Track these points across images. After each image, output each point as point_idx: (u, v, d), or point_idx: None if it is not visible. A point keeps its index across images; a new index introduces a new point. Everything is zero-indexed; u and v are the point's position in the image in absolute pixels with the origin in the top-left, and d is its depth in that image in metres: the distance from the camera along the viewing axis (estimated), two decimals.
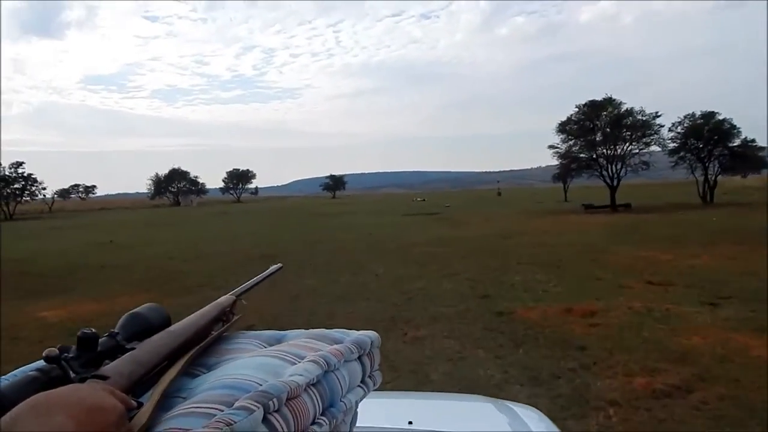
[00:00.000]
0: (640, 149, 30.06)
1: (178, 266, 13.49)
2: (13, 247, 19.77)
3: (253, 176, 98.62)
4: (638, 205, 30.02)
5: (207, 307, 0.87)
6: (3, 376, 0.64)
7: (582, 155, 30.40)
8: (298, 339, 0.87)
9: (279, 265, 1.16)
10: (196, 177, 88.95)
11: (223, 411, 0.58)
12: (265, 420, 0.60)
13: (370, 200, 72.22)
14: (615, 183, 29.93)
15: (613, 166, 29.91)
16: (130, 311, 0.75)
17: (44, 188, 60.85)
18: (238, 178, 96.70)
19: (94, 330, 0.63)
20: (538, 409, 1.62)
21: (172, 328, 0.76)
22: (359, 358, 0.85)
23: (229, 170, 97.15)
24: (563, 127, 30.52)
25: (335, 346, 0.82)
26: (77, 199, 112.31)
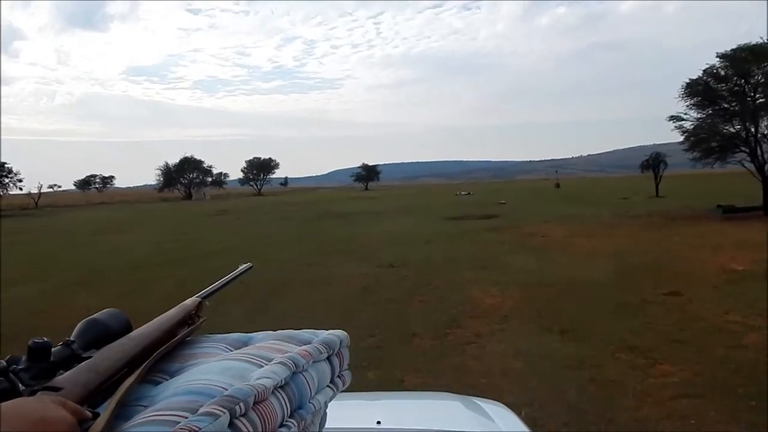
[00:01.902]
0: None
1: None
2: None
3: (276, 165, 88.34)
4: None
5: (171, 311, 0.84)
6: None
7: (727, 128, 19.37)
8: (265, 341, 0.84)
9: (248, 264, 1.11)
10: (211, 166, 79.46)
11: (187, 418, 0.56)
12: (232, 425, 0.58)
13: (405, 193, 61.90)
14: None
15: None
16: (88, 317, 0.71)
17: (20, 180, 52.87)
18: (259, 167, 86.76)
19: (46, 339, 0.61)
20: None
21: (132, 333, 0.73)
22: (328, 358, 0.84)
23: (249, 159, 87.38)
24: (695, 89, 19.48)
25: (304, 347, 0.81)
26: (94, 190, 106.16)
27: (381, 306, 8.02)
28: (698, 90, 19.54)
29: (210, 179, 79.51)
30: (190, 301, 0.89)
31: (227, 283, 1.00)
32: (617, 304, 7.43)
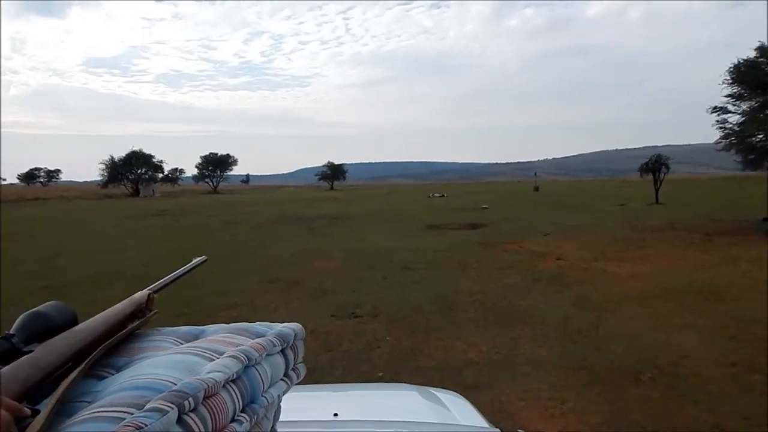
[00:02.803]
0: None
1: None
2: None
3: (234, 162, 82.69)
4: None
5: (120, 304, 0.82)
6: None
7: None
8: (217, 334, 0.82)
9: (203, 257, 1.09)
10: (161, 161, 73.04)
11: (132, 414, 0.54)
12: (180, 421, 0.56)
13: (373, 194, 57.58)
14: None
15: None
16: (30, 310, 0.68)
17: None
18: (216, 163, 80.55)
19: None
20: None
21: (77, 327, 0.70)
22: (282, 351, 0.83)
23: (204, 154, 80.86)
24: (742, 76, 15.30)
25: (257, 339, 0.79)
26: (39, 185, 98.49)
27: None
28: (745, 77, 15.37)
29: (160, 175, 73.37)
30: (140, 295, 0.87)
31: (180, 276, 0.98)
32: None
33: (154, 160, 72.37)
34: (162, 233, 19.41)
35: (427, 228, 18.46)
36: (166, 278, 0.95)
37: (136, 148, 70.94)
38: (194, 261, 1.06)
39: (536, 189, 48.51)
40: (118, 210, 36.64)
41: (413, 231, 17.67)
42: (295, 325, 0.88)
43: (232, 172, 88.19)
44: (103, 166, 69.74)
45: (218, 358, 0.71)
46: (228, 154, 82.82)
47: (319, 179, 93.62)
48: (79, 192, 72.21)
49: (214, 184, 79.73)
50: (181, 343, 0.80)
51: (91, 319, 0.73)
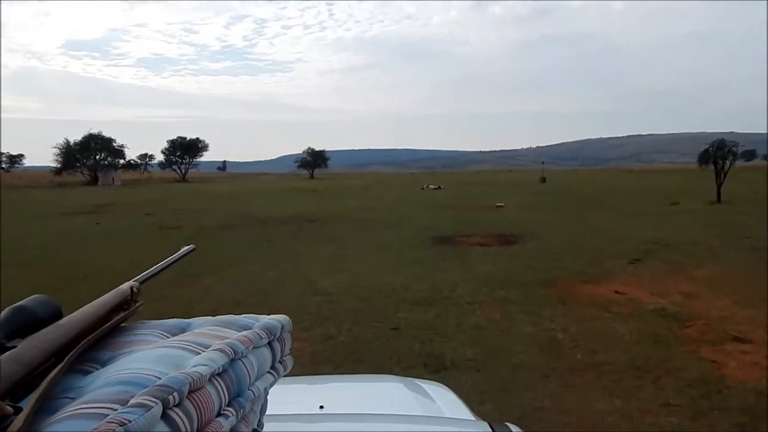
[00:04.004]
0: None
1: None
2: None
3: (205, 147, 74.33)
4: None
5: (105, 296, 0.79)
6: None
7: None
8: (203, 327, 0.80)
9: (191, 246, 1.06)
10: (122, 146, 64.35)
11: (116, 410, 0.52)
12: (165, 416, 0.55)
13: (356, 184, 51.45)
14: None
15: None
16: (13, 305, 0.66)
17: None
18: (184, 149, 71.75)
19: None
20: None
21: (61, 321, 0.68)
22: (269, 343, 0.81)
23: (171, 138, 72.46)
24: None
25: (243, 332, 0.77)
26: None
27: None
28: None
29: (122, 161, 65.49)
30: (126, 286, 0.84)
31: (167, 266, 0.96)
32: None
33: (114, 144, 64.52)
34: (49, 248, 13.47)
35: (436, 242, 12.75)
36: (153, 268, 0.92)
37: (94, 131, 63.13)
38: (182, 250, 1.02)
39: (543, 180, 42.37)
40: (53, 203, 30.46)
41: (417, 249, 11.92)
42: (283, 317, 0.85)
43: (208, 159, 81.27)
44: (57, 151, 61.62)
45: (204, 351, 0.69)
46: (197, 138, 74.91)
47: (299, 166, 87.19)
48: (31, 180, 65.01)
49: (182, 171, 72.48)
50: (167, 337, 0.77)
51: (75, 313, 0.71)
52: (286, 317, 0.86)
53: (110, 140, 64.24)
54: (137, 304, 0.84)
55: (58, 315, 0.69)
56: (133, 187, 51.67)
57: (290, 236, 14.35)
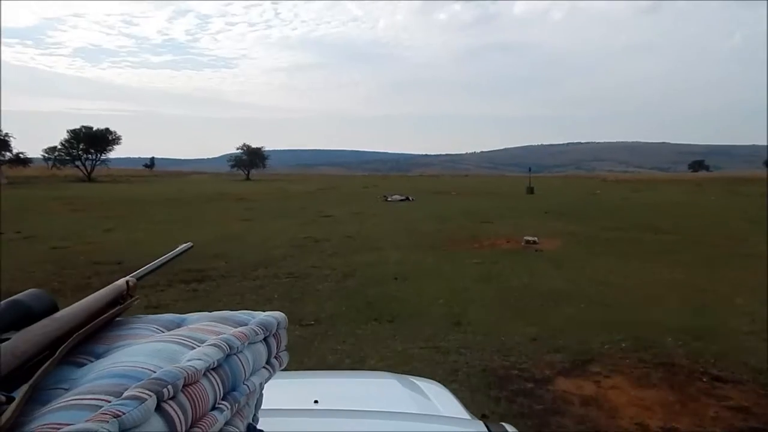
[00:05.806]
0: None
1: None
2: None
3: (116, 140, 62.03)
4: None
5: (101, 291, 0.80)
6: None
7: None
8: (199, 322, 0.81)
9: (189, 243, 1.06)
10: (7, 135, 51.98)
11: (110, 402, 0.53)
12: (159, 409, 0.55)
13: (298, 190, 41.55)
14: None
15: None
16: (8, 298, 0.67)
17: None
18: (90, 141, 59.48)
19: None
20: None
21: (56, 314, 0.69)
22: (265, 339, 0.82)
23: (74, 128, 59.79)
24: None
25: (239, 328, 0.77)
26: None
27: None
28: None
29: (9, 155, 52.87)
30: (123, 281, 0.84)
31: (165, 263, 0.95)
32: None
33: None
34: None
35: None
36: (151, 264, 0.92)
37: None
38: (179, 247, 1.02)
39: (531, 191, 34.20)
40: None
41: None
42: (278, 314, 0.86)
43: (138, 155, 68.97)
44: None
45: (200, 346, 0.69)
46: (107, 129, 62.17)
47: (232, 166, 76.28)
48: None
49: (87, 168, 59.25)
50: (163, 332, 0.78)
51: (70, 306, 0.71)
52: (282, 314, 0.86)
53: None
54: (133, 299, 0.84)
55: (53, 309, 0.69)
56: (17, 188, 40.38)
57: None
